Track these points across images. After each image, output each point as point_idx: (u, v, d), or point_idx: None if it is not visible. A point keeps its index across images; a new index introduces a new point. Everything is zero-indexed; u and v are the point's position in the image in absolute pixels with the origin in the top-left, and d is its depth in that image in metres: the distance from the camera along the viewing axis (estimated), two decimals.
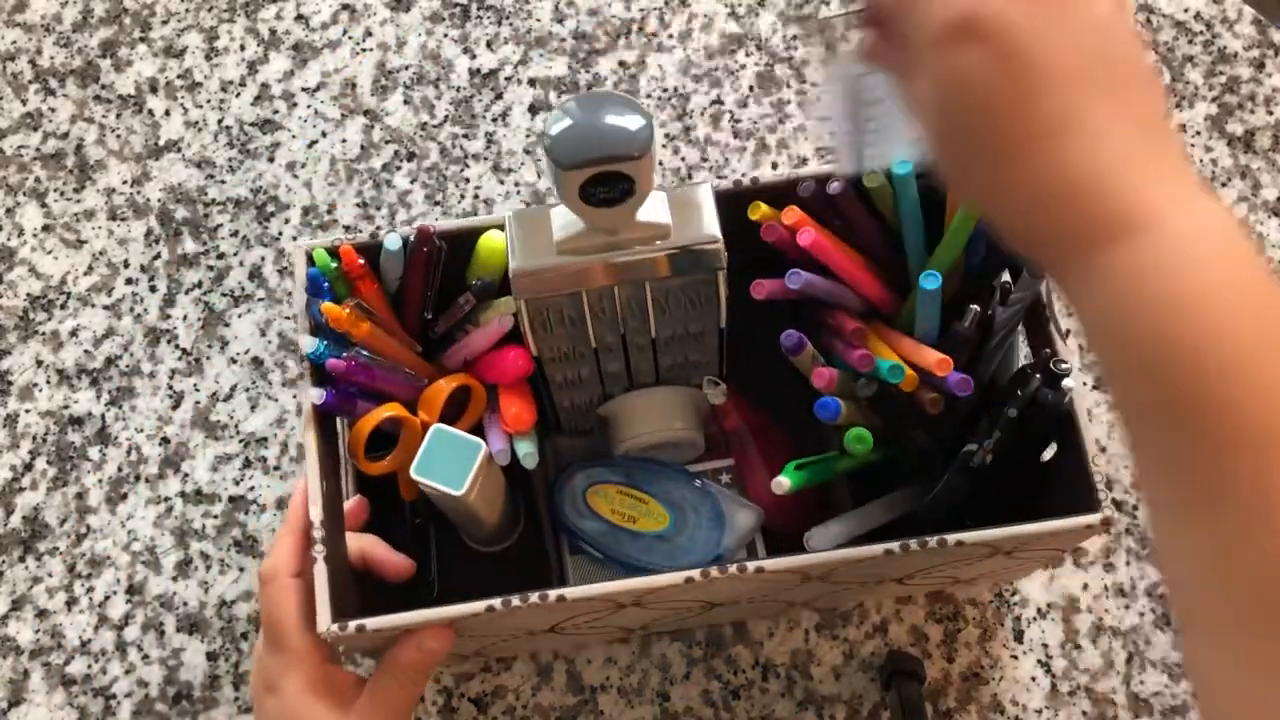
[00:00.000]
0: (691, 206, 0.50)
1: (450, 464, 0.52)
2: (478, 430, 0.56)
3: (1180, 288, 0.32)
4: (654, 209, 0.49)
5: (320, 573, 0.49)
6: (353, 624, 0.48)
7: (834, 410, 0.50)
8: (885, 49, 0.39)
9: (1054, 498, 0.50)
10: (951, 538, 0.48)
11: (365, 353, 0.52)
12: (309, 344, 0.51)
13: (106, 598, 0.66)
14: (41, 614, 0.66)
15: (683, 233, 0.50)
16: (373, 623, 0.48)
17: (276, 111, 0.77)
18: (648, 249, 0.49)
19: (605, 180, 0.45)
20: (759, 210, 0.53)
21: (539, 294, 0.50)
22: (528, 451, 0.54)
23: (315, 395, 0.51)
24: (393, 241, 0.52)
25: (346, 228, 0.74)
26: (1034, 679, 0.64)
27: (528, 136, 0.76)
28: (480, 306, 0.54)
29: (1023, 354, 0.58)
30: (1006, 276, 0.55)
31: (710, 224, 0.50)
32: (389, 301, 0.55)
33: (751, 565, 0.48)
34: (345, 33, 0.79)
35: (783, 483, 0.50)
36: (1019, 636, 0.65)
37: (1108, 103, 0.34)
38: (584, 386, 0.58)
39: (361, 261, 0.53)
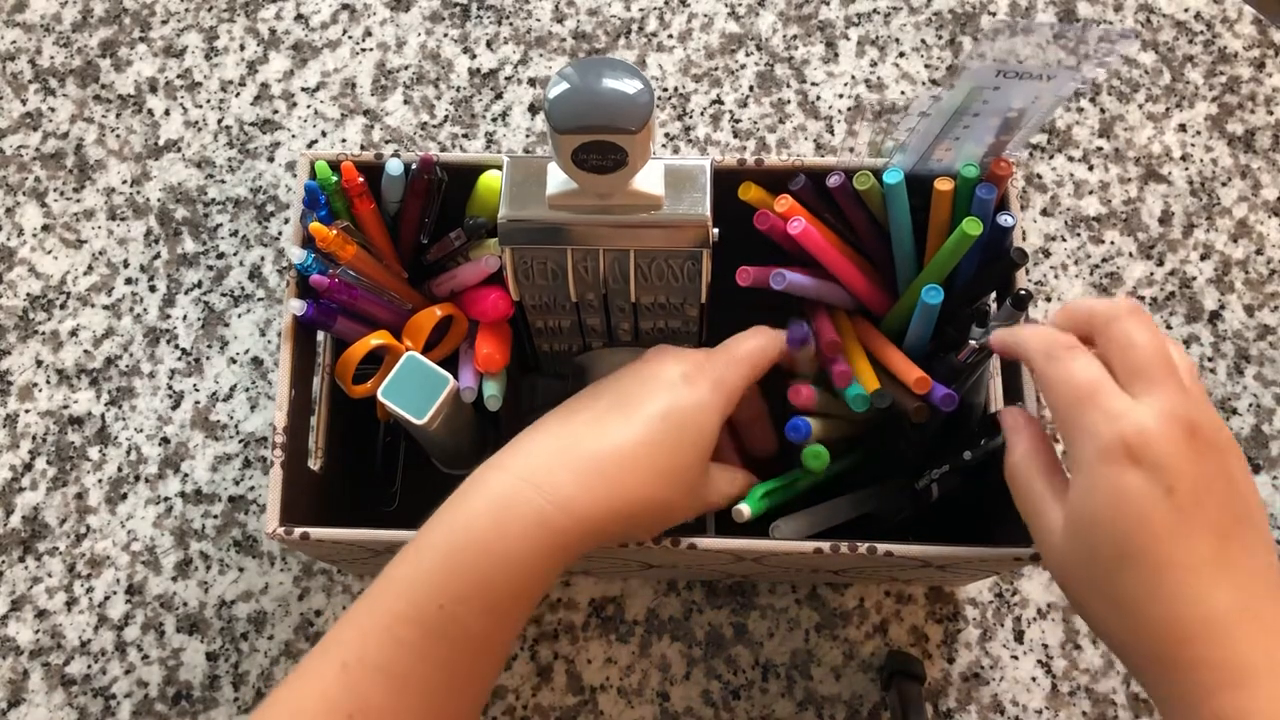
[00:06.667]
0: (687, 182, 0.50)
1: (418, 393, 0.53)
2: (454, 358, 0.56)
3: None
4: (649, 179, 0.49)
5: (275, 476, 0.51)
6: (298, 530, 0.50)
7: (804, 433, 0.50)
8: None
9: (1004, 520, 0.51)
10: (881, 547, 0.49)
11: (351, 273, 0.53)
12: (298, 255, 0.53)
13: (106, 598, 0.66)
14: (41, 614, 0.66)
15: (674, 207, 0.50)
16: (317, 533, 0.50)
17: (276, 111, 0.77)
18: (636, 218, 0.50)
19: (598, 148, 0.45)
20: (750, 191, 0.53)
21: (524, 243, 0.51)
22: (493, 394, 0.55)
23: (297, 306, 0.53)
24: (394, 166, 0.53)
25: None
26: (1034, 679, 0.64)
27: (528, 136, 0.76)
28: (472, 242, 0.55)
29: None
30: (992, 299, 0.56)
31: (703, 203, 0.50)
32: (385, 224, 0.56)
33: (685, 542, 0.50)
34: (345, 33, 0.79)
35: (742, 511, 0.51)
36: (1019, 636, 0.64)
37: (1243, 553, 0.39)
38: (564, 335, 0.58)
39: (361, 179, 0.53)
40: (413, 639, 0.42)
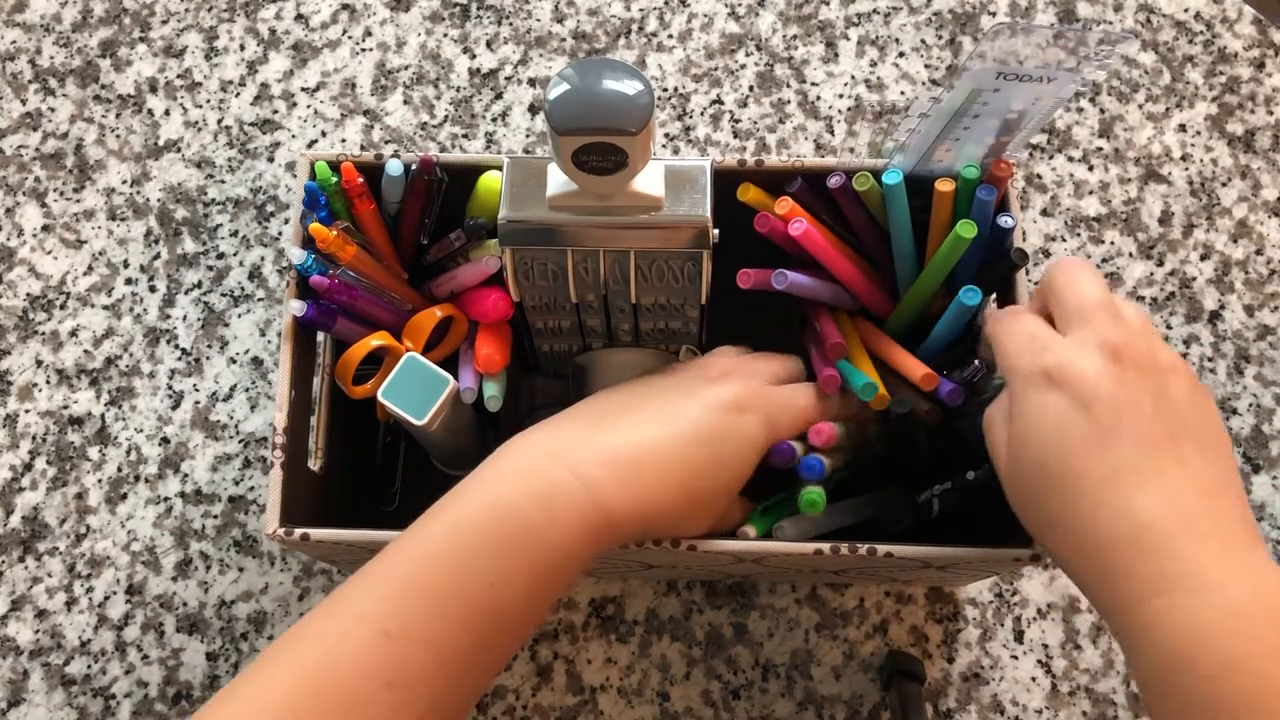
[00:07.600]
0: (687, 182, 0.50)
1: (418, 393, 0.53)
2: (454, 359, 0.57)
3: (1223, 654, 0.36)
4: (649, 180, 0.49)
5: (275, 477, 0.51)
6: (298, 531, 0.50)
7: (819, 471, 0.50)
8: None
9: (1009, 520, 0.51)
10: (881, 548, 0.49)
11: (351, 274, 0.54)
12: (298, 255, 0.53)
13: (106, 598, 0.66)
14: (41, 614, 0.66)
15: (674, 208, 0.50)
16: (317, 534, 0.50)
17: (276, 111, 0.77)
18: (636, 219, 0.50)
19: (598, 150, 0.45)
20: (749, 192, 0.53)
21: (524, 244, 0.51)
22: (493, 394, 0.55)
23: (297, 307, 0.53)
24: (394, 167, 0.53)
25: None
26: (1034, 679, 0.64)
27: (528, 136, 0.76)
28: (472, 242, 0.55)
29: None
30: (992, 300, 0.56)
31: (703, 204, 0.50)
32: (385, 224, 0.56)
33: (684, 543, 0.50)
34: (345, 33, 0.79)
35: (749, 533, 0.51)
36: (1019, 636, 0.65)
37: (1174, 464, 0.40)
38: (564, 336, 0.58)
39: (361, 180, 0.54)
40: (458, 614, 0.42)
